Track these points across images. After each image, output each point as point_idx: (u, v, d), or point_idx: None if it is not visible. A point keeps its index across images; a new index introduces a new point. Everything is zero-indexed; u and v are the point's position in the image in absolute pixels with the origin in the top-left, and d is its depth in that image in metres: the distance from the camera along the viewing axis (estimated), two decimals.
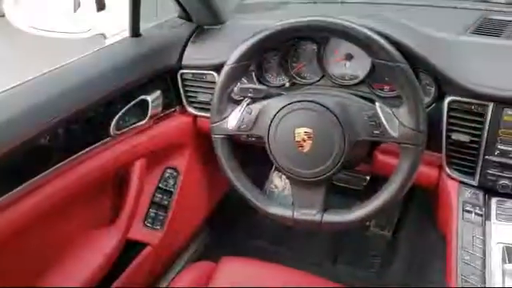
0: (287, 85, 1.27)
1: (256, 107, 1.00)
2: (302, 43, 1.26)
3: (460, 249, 1.01)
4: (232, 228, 1.95)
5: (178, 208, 1.50)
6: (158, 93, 1.33)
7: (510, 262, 0.98)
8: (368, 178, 1.91)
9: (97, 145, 1.19)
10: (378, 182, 1.97)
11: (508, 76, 1.04)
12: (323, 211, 0.98)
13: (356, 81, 1.19)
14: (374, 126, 0.91)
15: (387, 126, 0.89)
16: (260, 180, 2.16)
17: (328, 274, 1.55)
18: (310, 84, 1.25)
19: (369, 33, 0.87)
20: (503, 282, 0.95)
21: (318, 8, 1.51)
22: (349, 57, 1.21)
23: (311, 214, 0.99)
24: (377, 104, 0.91)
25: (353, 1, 1.50)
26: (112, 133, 1.20)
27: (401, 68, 0.87)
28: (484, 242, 1.02)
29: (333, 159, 0.93)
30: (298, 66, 1.28)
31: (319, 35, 1.20)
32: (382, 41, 0.87)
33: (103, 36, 1.58)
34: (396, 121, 0.89)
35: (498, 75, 1.04)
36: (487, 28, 1.19)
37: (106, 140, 1.21)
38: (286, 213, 1.01)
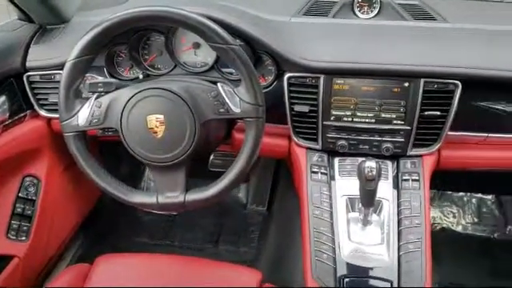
0: (141, 77, 1.29)
1: (105, 100, 1.00)
2: (150, 35, 1.28)
3: (311, 205, 1.14)
4: (111, 229, 1.92)
5: (44, 216, 1.43)
6: (2, 98, 1.25)
7: (353, 211, 1.14)
8: None
9: None
10: None
11: (334, 50, 1.18)
12: (185, 192, 1.02)
13: (206, 67, 1.25)
14: (218, 105, 0.97)
15: (230, 104, 0.97)
16: (137, 177, 2.15)
17: (210, 257, 1.62)
18: (164, 74, 1.28)
19: (200, 19, 0.93)
20: (348, 228, 1.10)
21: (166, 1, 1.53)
22: (196, 45, 1.26)
23: (174, 197, 1.02)
24: (218, 84, 0.98)
25: None
26: None
27: (233, 49, 0.94)
28: (330, 197, 1.16)
29: (187, 141, 0.98)
30: (150, 57, 1.30)
31: (157, 25, 1.23)
32: (214, 25, 0.93)
33: None
34: (237, 98, 0.97)
35: (326, 50, 1.18)
36: (316, 9, 1.34)
37: None
38: (151, 199, 1.04)
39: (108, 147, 1.68)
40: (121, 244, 1.86)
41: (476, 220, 1.96)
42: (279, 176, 2.04)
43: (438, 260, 1.75)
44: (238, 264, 1.20)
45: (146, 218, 2.00)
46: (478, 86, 1.13)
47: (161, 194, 1.03)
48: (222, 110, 0.97)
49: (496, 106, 1.18)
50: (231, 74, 1.26)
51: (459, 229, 1.94)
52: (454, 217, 1.97)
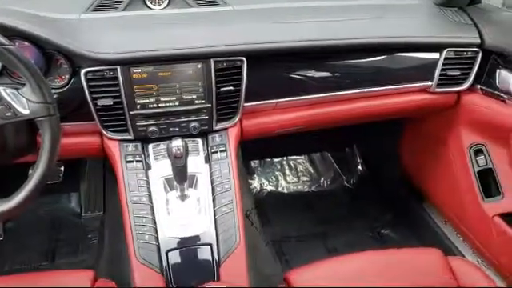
0: None
1: None
2: None
3: (129, 193, 1.17)
4: None
5: None
6: None
7: (171, 190, 1.20)
8: (62, 168, 1.93)
9: None
10: (80, 164, 2.03)
11: (127, 41, 1.21)
12: None
13: None
14: (4, 109, 0.93)
15: (16, 106, 0.93)
16: None
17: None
18: None
19: None
20: (167, 206, 1.16)
21: None
22: None
23: None
24: (0, 88, 0.94)
25: None
26: None
27: (8, 50, 0.91)
28: (148, 182, 1.21)
29: None
30: None
31: None
32: None
33: None
34: (24, 99, 0.94)
35: (118, 42, 1.21)
36: (106, 4, 1.36)
37: None
38: None
39: None
40: None
41: (295, 179, 2.22)
42: (110, 176, 2.01)
43: (268, 221, 1.96)
44: None
45: None
46: (262, 59, 1.29)
47: None
48: (8, 114, 0.94)
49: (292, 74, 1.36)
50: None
51: (283, 190, 2.18)
52: (277, 180, 2.20)
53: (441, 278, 1.07)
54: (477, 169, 1.53)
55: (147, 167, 1.24)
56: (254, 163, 2.22)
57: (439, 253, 1.12)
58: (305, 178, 2.23)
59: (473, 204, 1.54)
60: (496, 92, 1.42)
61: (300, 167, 2.25)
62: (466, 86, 1.49)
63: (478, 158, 1.54)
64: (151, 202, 1.17)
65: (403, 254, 1.17)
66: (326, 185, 2.22)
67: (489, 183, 1.52)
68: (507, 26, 1.43)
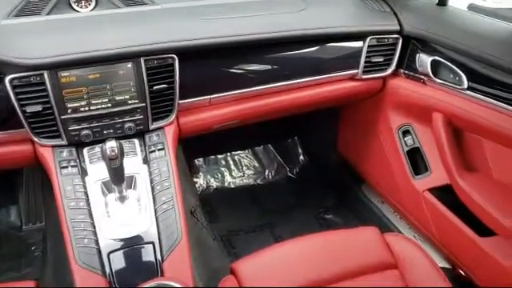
0: None
1: None
2: None
3: (65, 199, 1.15)
4: None
5: None
6: None
7: (110, 193, 1.19)
8: None
9: None
10: (16, 175, 1.96)
11: (52, 45, 1.19)
12: None
13: None
14: None
15: None
16: None
17: None
18: None
19: None
20: (106, 209, 1.15)
21: None
22: None
23: None
24: None
25: None
26: None
27: None
28: (84, 186, 1.19)
29: None
30: None
31: None
32: None
33: None
34: None
35: (43, 46, 1.18)
36: (29, 9, 1.32)
37: None
38: None
39: None
40: None
41: (240, 174, 2.25)
42: (49, 184, 1.96)
43: (216, 216, 1.98)
44: None
45: None
46: (193, 56, 1.30)
47: None
48: None
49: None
50: None
51: (229, 185, 2.21)
52: (223, 176, 2.22)
53: (378, 253, 1.13)
54: (406, 149, 1.63)
55: (83, 171, 1.22)
56: (199, 161, 2.23)
57: (376, 230, 1.18)
58: (249, 172, 2.27)
59: (404, 182, 1.63)
60: (417, 75, 1.51)
61: (244, 161, 2.28)
62: (389, 71, 1.58)
63: (406, 139, 1.63)
64: (89, 206, 1.15)
65: (341, 235, 1.23)
66: (270, 177, 2.27)
67: (417, 161, 1.62)
68: (423, 12, 1.53)
